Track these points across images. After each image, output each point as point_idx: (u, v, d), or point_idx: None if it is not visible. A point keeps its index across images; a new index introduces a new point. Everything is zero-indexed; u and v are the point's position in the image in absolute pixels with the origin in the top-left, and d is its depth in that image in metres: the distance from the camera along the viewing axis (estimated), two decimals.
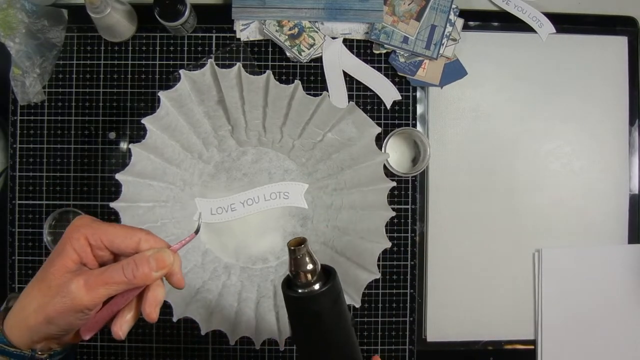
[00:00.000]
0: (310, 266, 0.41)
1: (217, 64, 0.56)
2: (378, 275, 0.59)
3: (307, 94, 0.57)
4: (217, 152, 0.66)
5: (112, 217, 0.67)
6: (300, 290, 0.41)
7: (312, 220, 0.68)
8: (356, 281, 0.60)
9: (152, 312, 0.37)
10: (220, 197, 0.66)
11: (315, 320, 0.42)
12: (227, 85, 0.57)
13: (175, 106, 0.57)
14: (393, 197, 0.69)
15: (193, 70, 0.67)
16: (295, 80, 0.55)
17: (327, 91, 0.68)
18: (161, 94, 0.55)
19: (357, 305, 0.60)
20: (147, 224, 0.60)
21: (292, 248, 0.41)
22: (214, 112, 0.61)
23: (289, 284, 0.43)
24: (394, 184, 0.59)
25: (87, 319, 0.36)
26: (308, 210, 0.67)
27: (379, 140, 0.65)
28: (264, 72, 0.55)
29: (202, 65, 0.67)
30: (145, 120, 0.55)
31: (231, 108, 0.60)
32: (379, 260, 0.64)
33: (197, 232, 0.41)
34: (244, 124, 0.63)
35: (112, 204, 0.55)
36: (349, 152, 0.62)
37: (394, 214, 0.58)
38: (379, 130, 0.59)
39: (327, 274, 0.43)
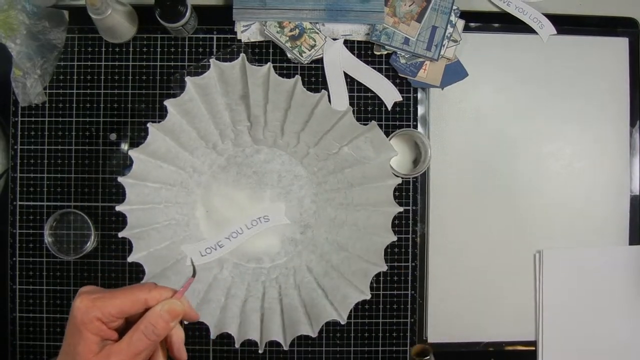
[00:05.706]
0: None
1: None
2: (368, 297, 0.59)
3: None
4: (231, 145, 0.67)
5: (113, 217, 0.67)
6: None
7: (312, 230, 0.68)
8: (345, 298, 0.60)
9: (181, 353, 0.41)
10: (224, 193, 0.67)
11: None
12: (254, 82, 0.57)
13: (199, 93, 0.57)
14: (394, 199, 0.69)
15: (195, 71, 0.67)
16: (322, 90, 0.56)
17: (328, 91, 0.68)
18: (188, 79, 0.55)
19: (343, 322, 0.59)
20: (151, 204, 0.60)
21: (416, 358, 0.47)
22: (236, 105, 0.61)
23: None
24: (401, 209, 0.59)
25: None
26: (310, 219, 0.67)
27: None
28: (294, 76, 0.56)
29: (203, 67, 0.68)
30: (167, 102, 0.55)
31: (253, 105, 0.60)
32: None
33: (194, 275, 0.44)
34: (263, 123, 0.63)
35: (120, 179, 0.55)
36: (362, 170, 0.62)
37: (395, 238, 0.59)
38: (395, 154, 0.59)
39: None
